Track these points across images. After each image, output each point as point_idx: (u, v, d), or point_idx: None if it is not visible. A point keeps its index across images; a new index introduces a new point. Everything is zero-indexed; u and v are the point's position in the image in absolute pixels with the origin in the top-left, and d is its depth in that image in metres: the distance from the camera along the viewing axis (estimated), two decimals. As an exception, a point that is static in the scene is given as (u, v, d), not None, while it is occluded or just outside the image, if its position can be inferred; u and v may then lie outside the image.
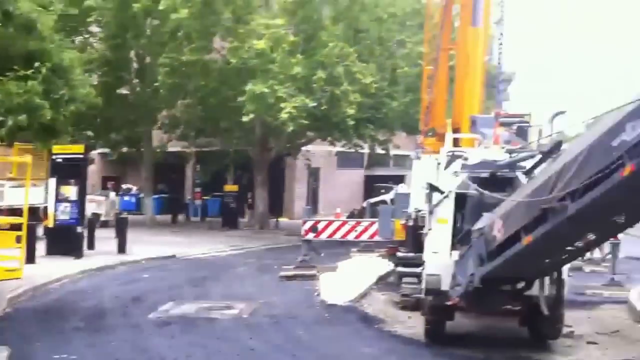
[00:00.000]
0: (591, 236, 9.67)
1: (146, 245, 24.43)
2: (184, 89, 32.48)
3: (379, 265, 20.19)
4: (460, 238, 11.53)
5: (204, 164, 40.45)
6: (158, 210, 37.68)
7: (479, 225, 10.66)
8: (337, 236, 20.87)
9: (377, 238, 20.82)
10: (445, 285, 11.37)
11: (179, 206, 39.61)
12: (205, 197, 39.22)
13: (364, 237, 21.20)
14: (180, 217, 38.25)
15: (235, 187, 36.75)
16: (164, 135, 36.94)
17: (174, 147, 38.42)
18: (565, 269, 11.16)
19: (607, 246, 20.62)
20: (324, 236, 20.87)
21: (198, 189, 40.79)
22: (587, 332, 12.91)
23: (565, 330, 12.24)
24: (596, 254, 22.20)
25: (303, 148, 37.76)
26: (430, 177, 12.73)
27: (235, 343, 11.94)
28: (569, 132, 11.93)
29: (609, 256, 20.16)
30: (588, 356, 11.30)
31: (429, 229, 12.06)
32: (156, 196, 38.21)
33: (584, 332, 12.87)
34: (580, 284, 17.57)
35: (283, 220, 37.44)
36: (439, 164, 13.36)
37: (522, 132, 16.49)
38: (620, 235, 18.52)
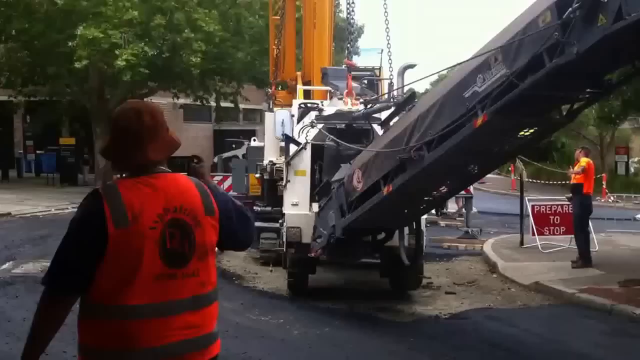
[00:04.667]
0: (447, 186, 10.81)
1: (-25, 203, 23.60)
2: (5, 32, 31.46)
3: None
4: (319, 190, 12.12)
5: (35, 115, 39.38)
6: (-16, 166, 36.24)
7: (338, 176, 11.29)
8: (189, 192, 21.28)
9: (231, 193, 21.48)
10: (306, 238, 11.98)
11: (9, 161, 38.45)
12: (39, 152, 38.23)
13: (218, 191, 21.73)
14: (12, 173, 37.26)
15: (72, 140, 36.00)
16: (-16, 83, 35.54)
17: (-3, 95, 37.27)
18: (423, 220, 12.03)
19: (461, 201, 22.47)
20: (174, 192, 21.25)
21: (30, 143, 39.62)
22: (446, 282, 14.02)
23: (424, 281, 13.25)
24: (451, 208, 23.98)
25: (145, 99, 37.28)
26: (286, 129, 13.18)
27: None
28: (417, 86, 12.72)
29: (463, 210, 21.98)
30: (447, 305, 12.17)
31: (287, 182, 12.55)
32: (-19, 150, 37.07)
33: (442, 282, 13.97)
34: (437, 237, 19.07)
35: (128, 176, 37.08)
36: (292, 116, 13.84)
37: (372, 85, 17.42)
38: (472, 191, 20.27)
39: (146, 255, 3.44)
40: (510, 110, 8.14)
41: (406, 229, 11.70)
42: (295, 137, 12.85)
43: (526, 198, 18.08)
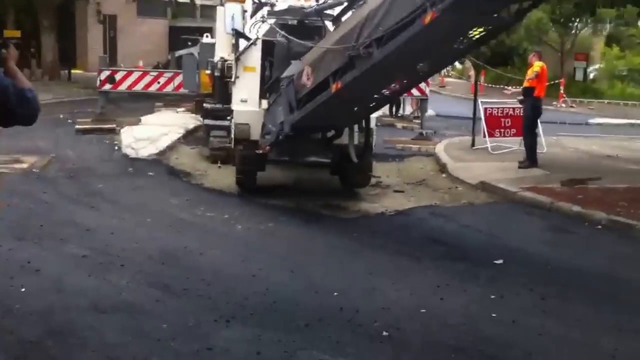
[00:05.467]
0: (397, 84, 11.00)
1: None
2: None
3: (186, 119, 20.59)
4: (268, 86, 12.18)
5: (-23, 6, 38.28)
6: None
7: (288, 72, 11.32)
8: (138, 87, 20.97)
9: (182, 91, 21.38)
10: (255, 135, 12.08)
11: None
12: (-19, 43, 37.21)
13: (168, 89, 21.52)
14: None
15: (17, 33, 35.32)
16: None
17: None
18: (373, 118, 12.19)
19: (415, 102, 22.80)
20: (123, 87, 20.92)
21: (-28, 33, 38.59)
22: (395, 182, 14.34)
23: (374, 180, 13.57)
24: (407, 111, 24.34)
25: (95, -8, 36.58)
26: (236, 24, 12.87)
27: (27, 197, 11.68)
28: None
29: (419, 112, 22.36)
30: (393, 203, 12.51)
31: (237, 78, 12.51)
32: None
33: (392, 182, 14.28)
34: (392, 138, 19.40)
35: (77, 72, 36.69)
36: (245, 11, 13.60)
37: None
38: (428, 93, 20.59)
39: None
40: (459, 8, 8.25)
41: (356, 127, 11.86)
42: (247, 33, 12.75)
43: (480, 101, 18.37)
